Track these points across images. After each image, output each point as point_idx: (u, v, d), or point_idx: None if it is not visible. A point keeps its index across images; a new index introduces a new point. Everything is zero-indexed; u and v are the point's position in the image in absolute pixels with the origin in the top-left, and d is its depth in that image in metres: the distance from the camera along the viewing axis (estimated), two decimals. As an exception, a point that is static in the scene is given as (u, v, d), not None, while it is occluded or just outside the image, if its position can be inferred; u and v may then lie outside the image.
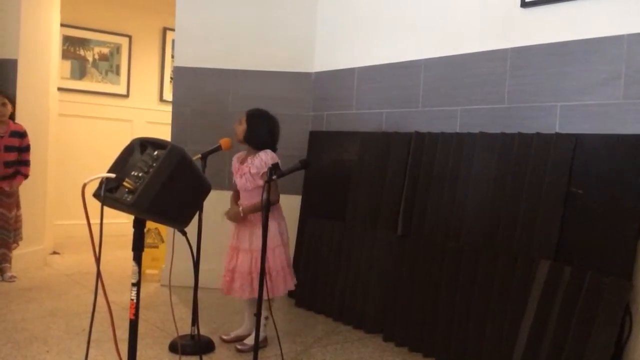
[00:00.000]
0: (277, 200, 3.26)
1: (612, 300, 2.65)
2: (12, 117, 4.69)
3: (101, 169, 1.89)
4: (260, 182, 3.24)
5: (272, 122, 3.36)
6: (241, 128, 3.33)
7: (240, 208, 3.26)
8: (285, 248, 3.37)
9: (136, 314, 1.94)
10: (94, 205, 1.82)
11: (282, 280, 3.30)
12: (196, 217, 3.01)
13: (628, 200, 2.71)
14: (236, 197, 3.42)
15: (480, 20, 3.56)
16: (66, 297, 4.24)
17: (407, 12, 4.01)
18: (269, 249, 3.20)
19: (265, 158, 3.24)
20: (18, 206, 4.68)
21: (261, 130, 3.31)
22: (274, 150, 3.32)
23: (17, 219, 4.67)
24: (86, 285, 4.60)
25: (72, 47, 6.73)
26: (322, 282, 4.15)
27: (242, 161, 3.36)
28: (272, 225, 3.23)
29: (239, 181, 3.33)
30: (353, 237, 4.00)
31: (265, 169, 3.19)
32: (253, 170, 3.25)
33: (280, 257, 3.29)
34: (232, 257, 3.33)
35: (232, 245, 3.36)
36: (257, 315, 2.87)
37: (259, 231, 3.25)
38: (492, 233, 3.19)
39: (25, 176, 4.67)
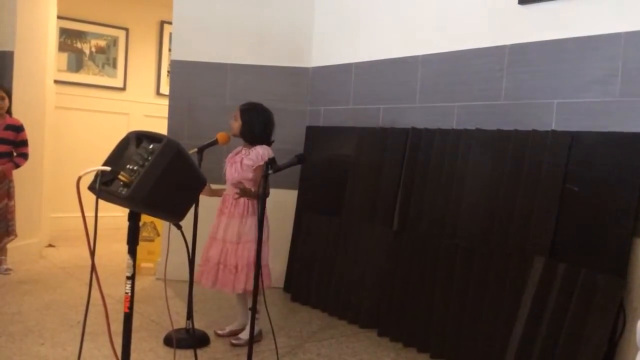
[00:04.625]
0: (268, 195, 3.24)
1: (605, 298, 2.66)
2: (9, 110, 4.66)
3: (97, 162, 1.89)
4: (249, 175, 3.24)
5: (266, 116, 3.35)
6: (236, 124, 3.32)
7: (253, 188, 3.18)
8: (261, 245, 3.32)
9: (131, 307, 1.94)
10: (90, 198, 1.82)
11: (246, 277, 3.20)
12: (192, 211, 3.01)
13: (623, 198, 2.71)
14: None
15: (477, 17, 3.56)
16: (61, 289, 4.24)
17: (405, 7, 4.01)
18: (241, 243, 3.21)
19: (262, 152, 3.23)
20: (10, 197, 4.64)
21: (255, 124, 3.30)
22: (269, 143, 3.32)
23: (9, 210, 4.63)
24: (81, 278, 4.60)
25: (68, 39, 6.70)
26: (317, 277, 4.16)
27: (237, 153, 3.36)
28: (251, 220, 3.23)
29: (228, 171, 3.33)
30: (349, 232, 4.00)
31: (260, 163, 3.19)
32: (246, 162, 3.24)
33: (250, 253, 3.21)
34: (209, 247, 3.34)
35: (210, 235, 3.37)
36: (252, 309, 2.87)
37: (235, 223, 3.25)
38: (487, 229, 3.20)
39: (17, 165, 4.64)
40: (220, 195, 3.41)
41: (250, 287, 3.10)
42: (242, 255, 3.21)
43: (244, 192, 3.16)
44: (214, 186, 3.31)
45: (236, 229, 3.25)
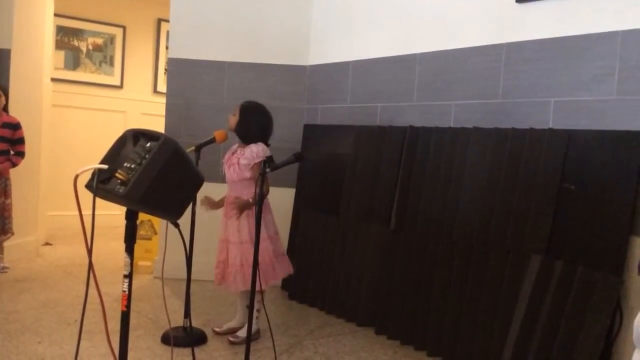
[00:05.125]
0: (268, 193, 3.26)
1: (602, 296, 2.66)
2: (5, 108, 4.65)
3: (94, 160, 1.88)
4: (247, 175, 3.24)
5: (264, 117, 3.35)
6: (234, 119, 3.33)
7: (250, 198, 3.22)
8: (273, 240, 3.35)
9: (128, 306, 1.94)
10: (87, 196, 1.82)
11: (271, 271, 3.30)
12: (189, 209, 3.01)
13: (620, 196, 2.72)
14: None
15: (475, 15, 3.56)
16: (58, 288, 4.24)
17: (403, 5, 4.01)
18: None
19: (256, 150, 3.23)
20: (7, 195, 4.63)
21: (252, 124, 3.30)
22: (266, 144, 3.31)
23: (6, 208, 4.62)
24: (78, 276, 4.59)
25: (65, 37, 6.69)
26: (315, 275, 4.16)
27: (233, 153, 3.36)
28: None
29: (227, 172, 3.33)
30: (346, 231, 4.00)
31: (256, 161, 3.20)
32: (242, 162, 3.24)
33: (267, 250, 3.26)
34: (222, 250, 3.34)
35: (221, 238, 3.37)
36: (250, 307, 2.87)
37: (245, 224, 3.25)
38: (484, 228, 3.21)
39: (14, 164, 4.63)
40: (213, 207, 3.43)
41: (277, 279, 3.37)
42: (262, 253, 3.22)
43: (242, 208, 3.21)
44: (211, 185, 3.28)
45: (247, 228, 3.25)
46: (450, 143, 3.48)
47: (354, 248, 3.92)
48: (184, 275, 3.22)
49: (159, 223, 4.88)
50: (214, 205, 3.40)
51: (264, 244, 3.25)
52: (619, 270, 2.68)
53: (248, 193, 3.26)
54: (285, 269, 3.42)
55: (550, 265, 2.86)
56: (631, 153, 2.72)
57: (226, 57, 4.69)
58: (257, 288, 3.22)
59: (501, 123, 3.31)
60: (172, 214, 1.94)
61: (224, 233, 3.35)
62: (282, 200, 4.43)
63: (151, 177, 1.76)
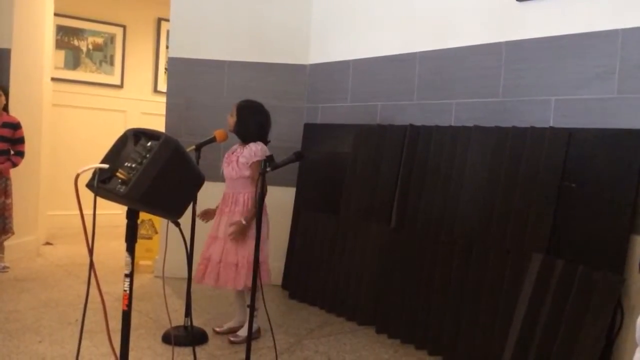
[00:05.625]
0: (266, 193, 3.24)
1: (603, 294, 2.66)
2: (5, 108, 4.65)
3: (95, 160, 1.88)
4: (246, 173, 3.24)
5: (262, 115, 3.35)
6: (232, 120, 3.33)
7: (242, 219, 3.21)
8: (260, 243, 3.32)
9: (129, 305, 1.94)
10: (88, 195, 1.82)
11: (246, 275, 3.22)
12: (190, 208, 3.00)
13: (620, 195, 2.72)
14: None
15: (476, 13, 3.56)
16: (59, 287, 4.24)
17: (403, 4, 4.00)
18: (241, 240, 3.21)
19: (255, 149, 3.23)
20: (7, 194, 4.63)
21: (250, 122, 3.30)
22: (266, 142, 3.31)
23: (6, 207, 4.62)
24: (79, 276, 4.60)
25: (65, 36, 6.69)
26: (315, 274, 4.16)
27: (233, 152, 3.37)
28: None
29: (226, 169, 3.34)
30: (346, 230, 4.00)
31: (254, 160, 3.20)
32: (242, 160, 3.25)
33: (250, 251, 3.18)
34: (209, 246, 3.34)
35: (210, 234, 3.37)
36: (250, 307, 2.87)
37: (231, 221, 3.25)
38: (485, 226, 3.20)
39: (14, 164, 4.63)
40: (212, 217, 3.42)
41: (250, 284, 3.13)
42: (243, 253, 3.22)
43: (242, 233, 3.20)
44: (212, 185, 3.27)
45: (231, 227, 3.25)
46: (450, 142, 3.48)
47: (354, 247, 3.92)
48: (185, 274, 3.22)
49: (160, 222, 4.88)
50: (213, 215, 3.41)
51: (249, 242, 3.21)
52: (620, 269, 2.68)
53: (245, 191, 3.26)
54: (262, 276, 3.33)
55: (550, 264, 2.86)
56: (632, 151, 2.72)
57: (226, 56, 4.68)
58: (233, 287, 3.23)
59: (502, 122, 3.31)
60: (173, 213, 1.94)
61: (213, 229, 3.35)
62: (282, 199, 4.43)
63: (152, 177, 1.76)
